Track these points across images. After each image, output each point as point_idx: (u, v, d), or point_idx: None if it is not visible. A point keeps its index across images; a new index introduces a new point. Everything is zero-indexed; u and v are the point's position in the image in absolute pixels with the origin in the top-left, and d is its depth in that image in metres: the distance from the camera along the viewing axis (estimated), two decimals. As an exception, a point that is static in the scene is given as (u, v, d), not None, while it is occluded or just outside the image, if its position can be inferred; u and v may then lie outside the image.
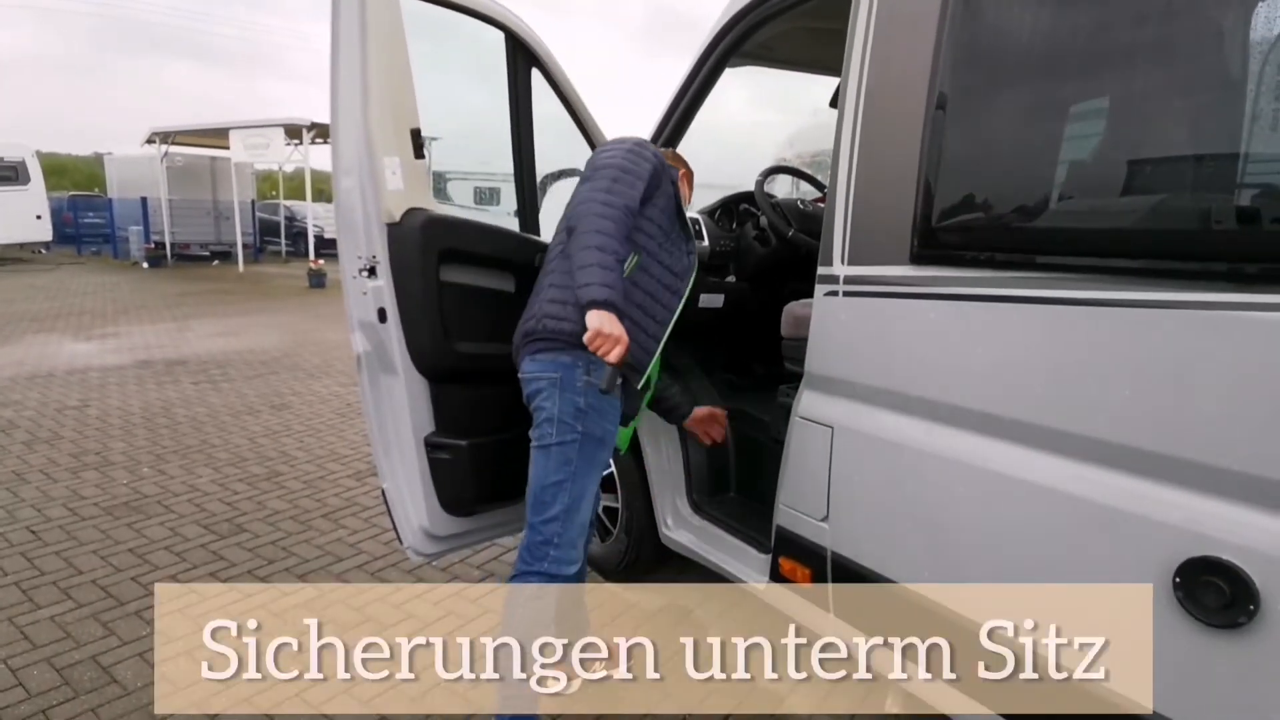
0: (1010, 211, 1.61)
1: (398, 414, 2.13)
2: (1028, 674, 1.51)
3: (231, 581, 3.01)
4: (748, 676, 2.47)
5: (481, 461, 2.22)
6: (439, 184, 18.61)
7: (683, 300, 2.03)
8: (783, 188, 4.12)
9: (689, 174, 2.37)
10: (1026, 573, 1.51)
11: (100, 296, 12.34)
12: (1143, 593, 1.30)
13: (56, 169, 36.16)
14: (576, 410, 1.87)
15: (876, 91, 1.80)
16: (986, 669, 1.62)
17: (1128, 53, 1.42)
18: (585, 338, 1.72)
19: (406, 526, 2.21)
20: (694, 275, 2.08)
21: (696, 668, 2.52)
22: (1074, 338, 1.39)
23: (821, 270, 1.92)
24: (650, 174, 1.91)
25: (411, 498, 2.17)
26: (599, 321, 1.71)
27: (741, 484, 2.88)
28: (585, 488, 1.93)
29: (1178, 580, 1.24)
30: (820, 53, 2.94)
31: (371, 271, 2.03)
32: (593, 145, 2.57)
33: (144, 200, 18.11)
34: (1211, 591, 1.19)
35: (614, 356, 1.70)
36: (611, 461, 2.96)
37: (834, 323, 1.91)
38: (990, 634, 1.57)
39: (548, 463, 1.89)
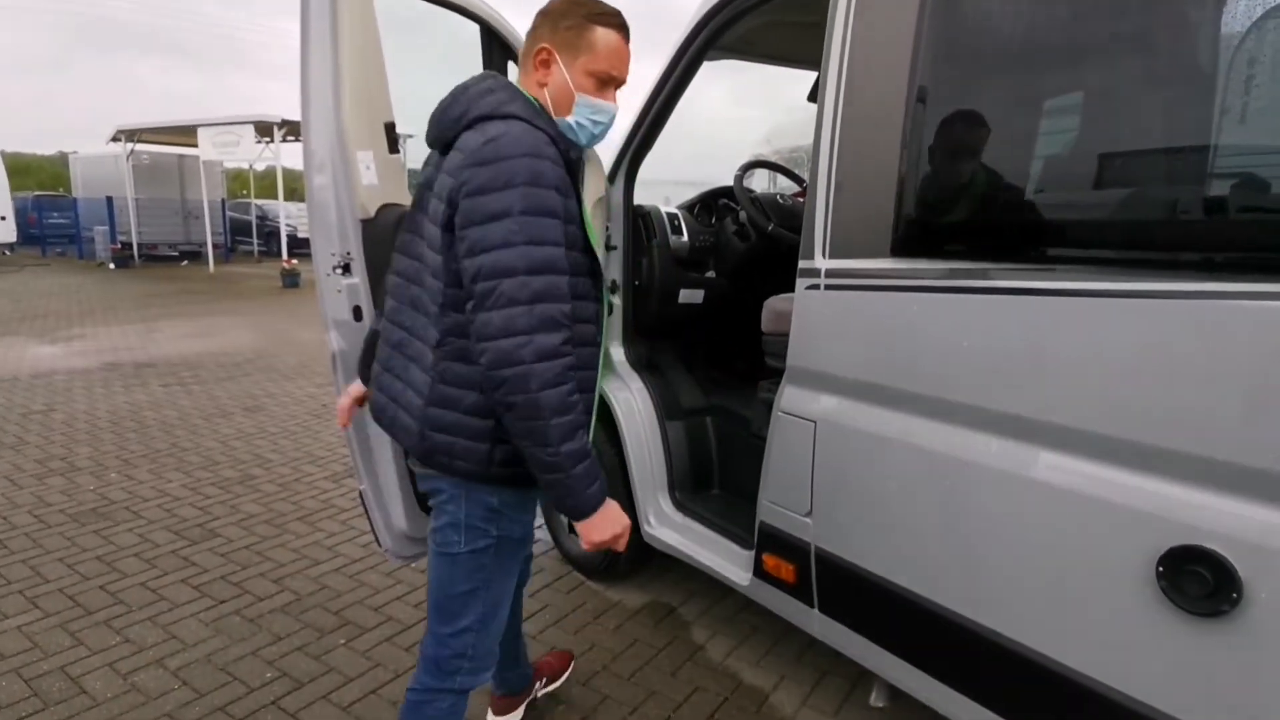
0: (990, 203, 1.61)
1: None
2: (1013, 665, 1.51)
3: (203, 588, 2.94)
4: (732, 674, 2.47)
5: None
6: (414, 181, 18.45)
7: (601, 352, 1.57)
8: (761, 182, 4.12)
9: (557, 56, 1.45)
10: (1010, 564, 1.51)
11: (65, 298, 12.06)
12: (1127, 582, 1.30)
13: (20, 169, 35.27)
14: (489, 512, 1.48)
15: (856, 85, 1.79)
16: (973, 662, 1.62)
17: (1102, 47, 1.43)
18: (584, 547, 1.44)
19: (384, 529, 2.17)
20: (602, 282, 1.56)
21: (679, 666, 2.51)
22: (1055, 329, 1.40)
23: (802, 264, 1.91)
24: (559, 200, 1.33)
25: (389, 499, 2.13)
26: (597, 533, 1.39)
27: (724, 481, 2.87)
28: (503, 590, 1.59)
29: (1161, 569, 1.24)
30: (798, 47, 2.94)
31: (346, 269, 1.99)
32: None
33: (109, 200, 17.74)
34: (1195, 580, 1.20)
35: (622, 546, 1.45)
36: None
37: (815, 317, 1.91)
38: (977, 626, 1.58)
39: (454, 570, 1.52)
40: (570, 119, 1.46)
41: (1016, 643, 1.50)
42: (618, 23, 1.46)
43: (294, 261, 14.77)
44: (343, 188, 1.94)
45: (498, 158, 1.29)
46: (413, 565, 3.15)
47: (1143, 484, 1.29)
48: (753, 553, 2.21)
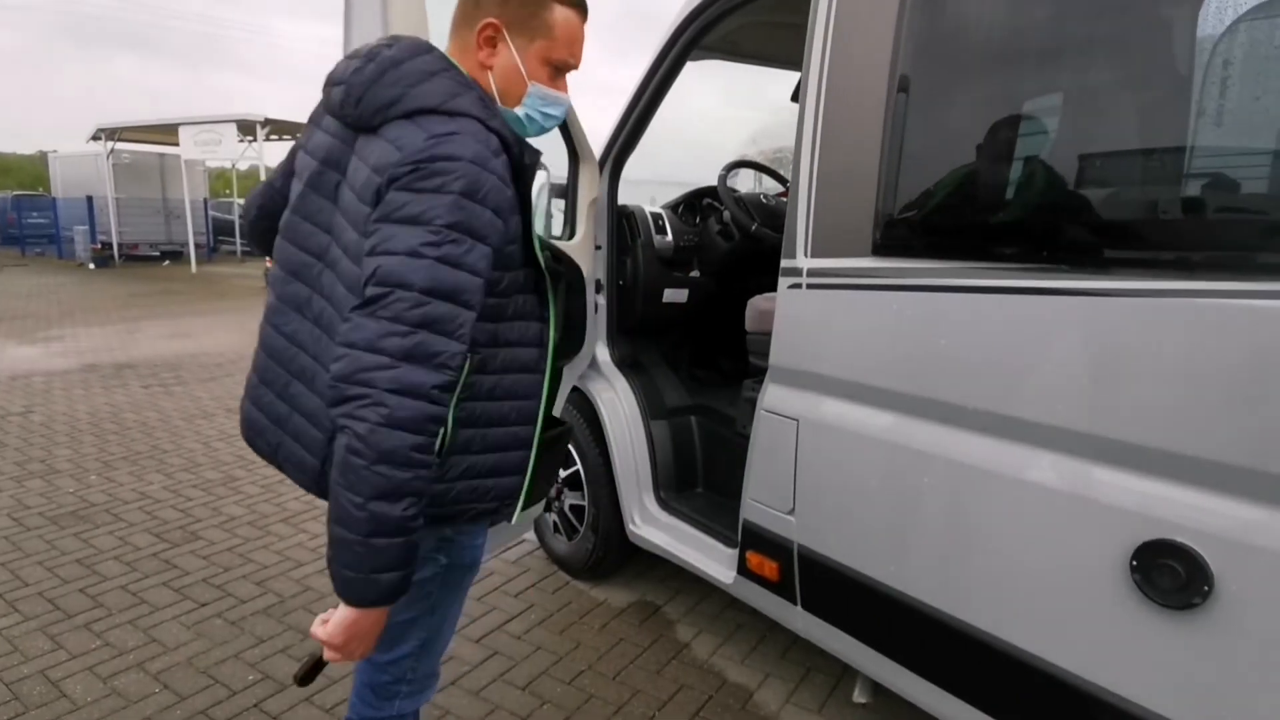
0: (969, 203, 1.63)
1: None
2: (991, 660, 1.52)
3: (185, 590, 2.92)
4: (716, 672, 2.48)
5: None
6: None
7: (546, 380, 1.34)
8: (746, 182, 4.14)
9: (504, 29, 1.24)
10: (989, 560, 1.53)
11: (45, 299, 11.91)
12: (1102, 576, 1.32)
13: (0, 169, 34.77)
14: (440, 540, 1.31)
15: (837, 86, 1.81)
16: (952, 657, 1.64)
17: (1080, 50, 1.45)
18: (313, 631, 1.15)
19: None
20: (553, 334, 1.36)
21: (664, 665, 2.52)
22: (1031, 327, 1.41)
23: (785, 263, 1.92)
24: (494, 225, 1.13)
25: None
26: (338, 628, 1.10)
27: (708, 480, 2.88)
28: (448, 615, 1.43)
29: (1135, 564, 1.26)
30: (783, 47, 2.95)
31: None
32: (572, 147, 2.49)
33: (90, 199, 17.55)
34: (1167, 574, 1.21)
35: (336, 660, 1.16)
36: (578, 458, 2.94)
37: (798, 315, 1.92)
38: (957, 621, 1.59)
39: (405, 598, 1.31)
40: (519, 110, 1.27)
41: (995, 638, 1.51)
42: (577, 0, 1.26)
43: (277, 261, 14.66)
44: None
45: (438, 157, 1.09)
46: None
47: (1118, 480, 1.31)
48: (736, 551, 2.22)
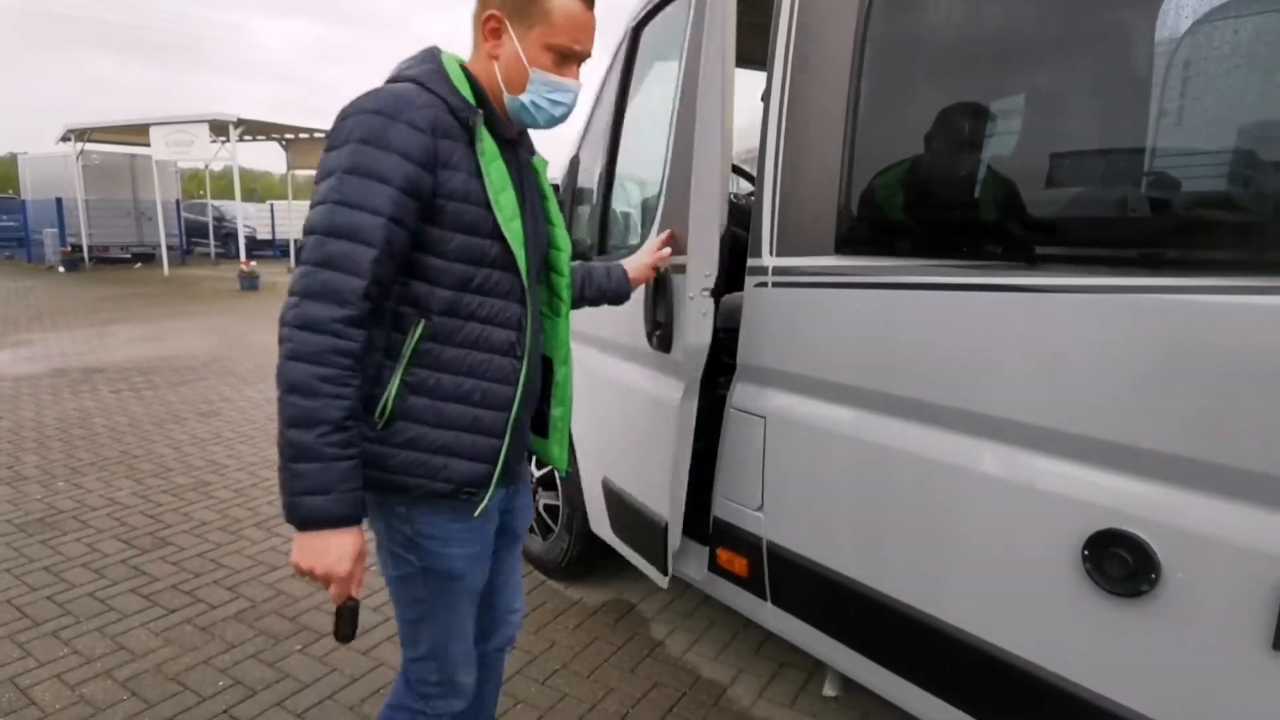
0: (927, 202, 1.65)
1: (687, 432, 2.08)
2: (953, 650, 1.55)
3: (154, 597, 2.89)
4: (690, 669, 2.50)
5: None
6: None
7: (524, 369, 1.33)
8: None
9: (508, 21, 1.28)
10: (950, 552, 1.55)
11: (12, 303, 11.69)
12: (1057, 567, 1.35)
13: (-36, 170, 34.06)
14: (406, 540, 1.33)
15: (799, 87, 1.83)
16: (916, 649, 1.66)
17: (1031, 54, 1.47)
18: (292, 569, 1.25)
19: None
20: (532, 315, 1.37)
21: (639, 662, 2.53)
22: (987, 323, 1.44)
23: (751, 262, 1.94)
24: (401, 166, 1.16)
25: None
26: (298, 553, 1.18)
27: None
28: (449, 626, 1.42)
29: (1086, 553, 1.29)
30: (752, 48, 2.96)
31: (712, 292, 1.96)
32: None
33: (59, 201, 17.26)
34: (1117, 562, 1.24)
35: (333, 595, 1.21)
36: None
37: (764, 314, 1.94)
38: (919, 614, 1.62)
39: (397, 595, 1.41)
40: (525, 98, 1.29)
41: (956, 629, 1.54)
42: None
43: (253, 264, 14.52)
44: (724, 213, 1.95)
45: (344, 115, 1.18)
46: (371, 568, 3.13)
47: (1071, 472, 1.34)
48: (707, 548, 2.23)
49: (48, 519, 3.59)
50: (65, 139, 17.17)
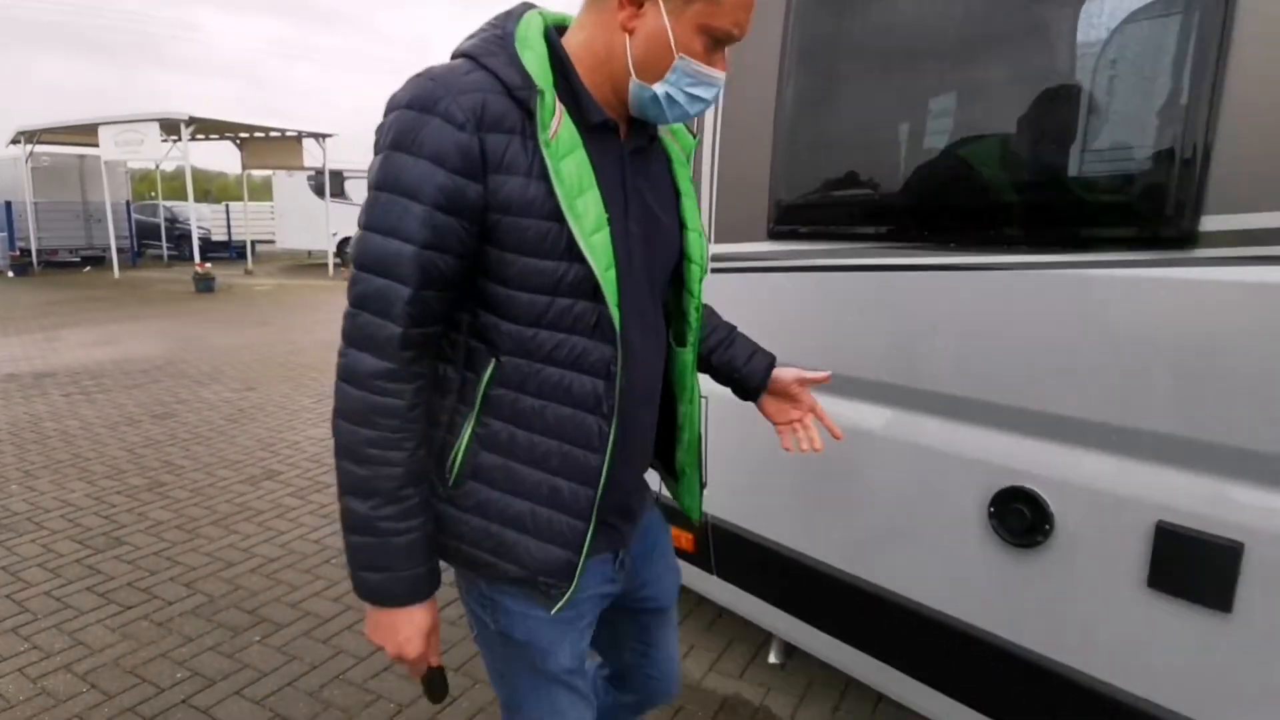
0: (848, 190, 1.75)
1: None
2: (880, 610, 1.65)
3: (110, 595, 2.89)
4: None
5: None
6: (337, 183, 18.07)
7: (612, 430, 1.03)
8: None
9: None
10: (873, 517, 1.65)
11: (-44, 309, 11.35)
12: (968, 525, 1.45)
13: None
14: (482, 596, 1.12)
15: (732, 82, 1.91)
16: (847, 611, 1.76)
17: (942, 52, 1.58)
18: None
19: None
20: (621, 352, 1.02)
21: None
22: (902, 300, 1.54)
23: (690, 250, 2.02)
24: (432, 176, 0.91)
25: None
26: (370, 628, 1.06)
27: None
28: (520, 694, 1.18)
29: (992, 510, 1.40)
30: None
31: None
32: None
33: (8, 205, 16.77)
34: (1017, 516, 1.35)
35: (410, 673, 1.11)
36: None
37: (704, 298, 2.02)
38: (848, 576, 1.72)
39: (485, 662, 1.24)
40: (660, 88, 0.99)
41: (881, 588, 1.64)
42: None
43: (207, 265, 14.25)
44: None
45: (386, 109, 0.95)
46: (332, 561, 3.16)
47: (979, 436, 1.44)
48: (656, 526, 2.31)
49: (2, 521, 3.55)
50: (16, 141, 16.69)
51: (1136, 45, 1.28)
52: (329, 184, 17.40)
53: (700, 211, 1.18)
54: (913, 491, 1.57)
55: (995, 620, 1.43)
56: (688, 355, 1.19)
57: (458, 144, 0.90)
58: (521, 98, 0.93)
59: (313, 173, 18.16)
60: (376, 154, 0.94)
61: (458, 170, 0.91)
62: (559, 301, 0.98)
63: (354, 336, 0.95)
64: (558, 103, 0.96)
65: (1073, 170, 1.35)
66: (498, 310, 0.98)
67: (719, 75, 1.01)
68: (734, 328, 1.38)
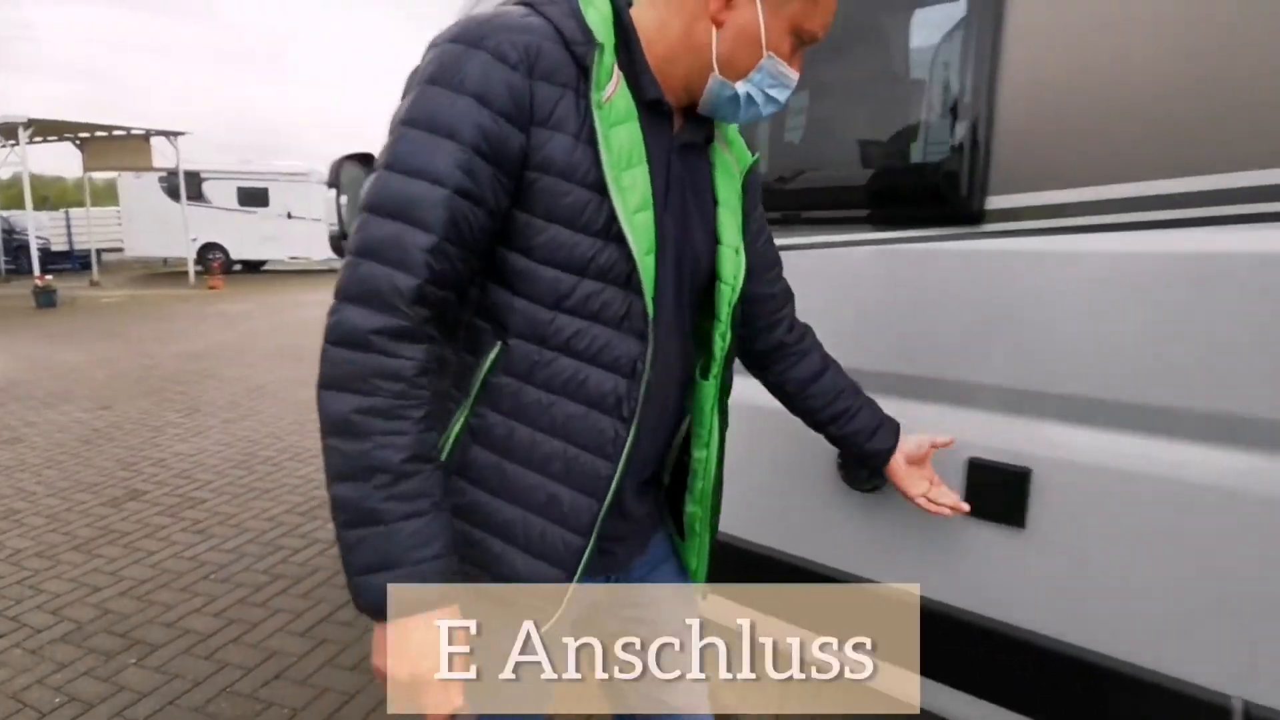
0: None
1: None
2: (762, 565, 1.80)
3: (-37, 630, 2.70)
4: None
5: None
6: (193, 184, 16.90)
7: (630, 436, 0.91)
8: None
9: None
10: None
11: None
12: (822, 477, 1.62)
13: None
14: None
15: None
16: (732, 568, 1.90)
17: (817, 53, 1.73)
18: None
19: None
20: (651, 342, 0.91)
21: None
22: (815, 280, 1.55)
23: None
24: (475, 114, 0.81)
25: None
26: (376, 651, 0.85)
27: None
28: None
29: (840, 460, 1.57)
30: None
31: None
32: None
33: None
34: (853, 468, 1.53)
35: (430, 717, 0.86)
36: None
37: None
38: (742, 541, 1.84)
39: None
40: (742, 87, 0.93)
41: (753, 544, 1.78)
42: None
43: (48, 278, 13.11)
44: None
45: (427, 50, 0.85)
46: (210, 577, 3.05)
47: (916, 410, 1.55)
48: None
49: None
50: None
51: (937, 53, 1.48)
52: (185, 185, 16.31)
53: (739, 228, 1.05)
54: (772, 451, 1.72)
55: (853, 561, 1.60)
56: (709, 388, 1.05)
57: (509, 84, 0.81)
58: (579, 53, 0.85)
59: (164, 173, 16.98)
60: (411, 89, 0.84)
61: (504, 114, 0.81)
62: (586, 284, 0.87)
63: (352, 289, 0.80)
64: (616, 68, 0.88)
65: (893, 160, 1.54)
66: (514, 285, 0.87)
67: (795, 77, 0.97)
68: (859, 390, 1.27)
